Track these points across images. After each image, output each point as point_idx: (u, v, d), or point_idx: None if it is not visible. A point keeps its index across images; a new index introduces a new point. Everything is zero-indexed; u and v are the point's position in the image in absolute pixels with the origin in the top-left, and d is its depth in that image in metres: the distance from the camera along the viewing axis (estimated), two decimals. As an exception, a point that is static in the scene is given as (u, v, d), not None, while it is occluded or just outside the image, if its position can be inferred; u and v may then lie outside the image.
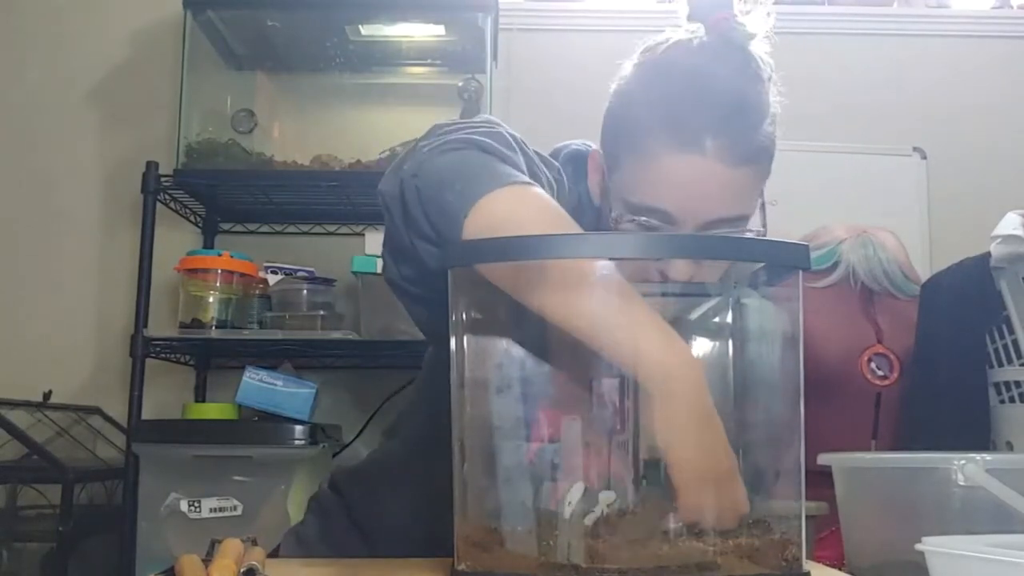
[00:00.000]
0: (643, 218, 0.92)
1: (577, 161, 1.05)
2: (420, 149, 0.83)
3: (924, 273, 1.97)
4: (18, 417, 1.92)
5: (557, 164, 0.99)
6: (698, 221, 0.91)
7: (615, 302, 0.71)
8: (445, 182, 0.78)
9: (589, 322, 0.70)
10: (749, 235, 0.94)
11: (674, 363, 0.69)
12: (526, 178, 0.80)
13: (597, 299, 0.72)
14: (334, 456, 2.04)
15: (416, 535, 1.04)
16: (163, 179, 2.02)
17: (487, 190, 0.76)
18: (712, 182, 0.90)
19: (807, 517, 0.71)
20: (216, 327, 1.99)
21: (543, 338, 0.75)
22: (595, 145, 1.06)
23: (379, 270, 1.90)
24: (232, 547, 0.74)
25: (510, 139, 0.85)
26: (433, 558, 0.84)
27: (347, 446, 2.10)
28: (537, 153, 0.93)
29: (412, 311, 0.97)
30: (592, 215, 1.02)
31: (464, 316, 0.73)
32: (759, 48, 0.95)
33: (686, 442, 0.69)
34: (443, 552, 0.76)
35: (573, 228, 0.77)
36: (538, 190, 0.79)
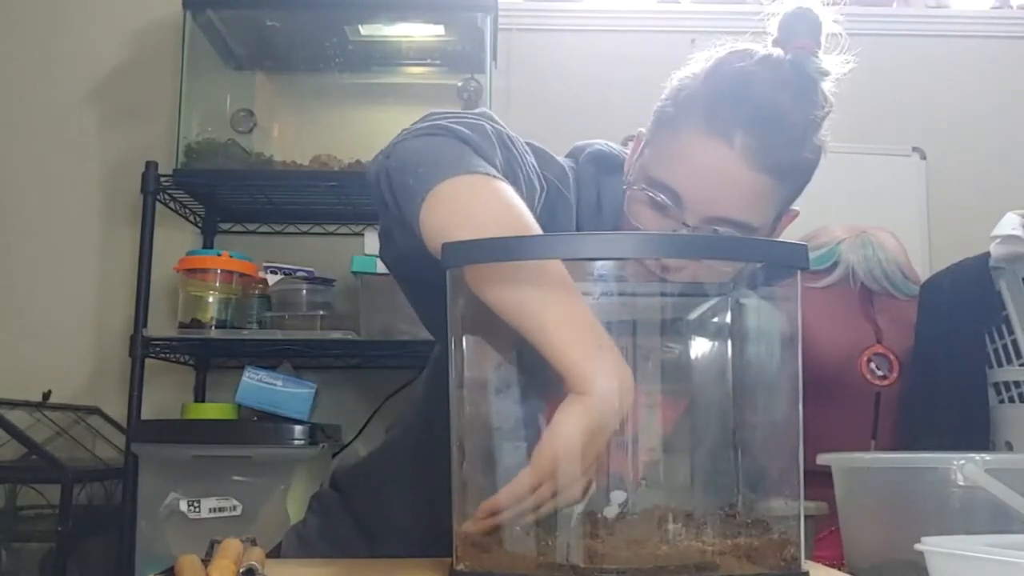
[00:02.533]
0: (651, 193, 0.92)
1: (599, 160, 1.05)
2: (402, 132, 0.85)
3: (924, 273, 1.97)
4: (17, 417, 1.92)
5: (565, 165, 0.99)
6: (704, 212, 0.90)
7: (547, 297, 0.71)
8: (410, 165, 0.80)
9: (517, 316, 0.71)
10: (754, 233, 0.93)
11: (589, 367, 0.68)
12: (491, 169, 0.80)
13: (530, 293, 0.71)
14: (334, 456, 2.04)
15: (418, 533, 1.04)
16: (163, 179, 2.02)
17: (447, 176, 0.77)
18: (728, 176, 0.89)
19: (807, 517, 0.71)
20: (215, 327, 1.99)
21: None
22: (616, 145, 1.07)
23: (379, 270, 1.91)
24: (231, 547, 0.74)
25: (492, 133, 0.86)
26: (434, 558, 0.84)
27: (347, 446, 2.10)
28: (540, 151, 0.94)
29: (407, 296, 0.98)
30: (611, 211, 1.02)
31: (464, 316, 0.73)
32: (826, 86, 0.97)
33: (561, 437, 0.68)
34: (445, 549, 0.77)
35: (524, 220, 0.76)
36: (499, 182, 0.79)
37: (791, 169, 0.93)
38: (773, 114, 0.90)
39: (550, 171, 0.96)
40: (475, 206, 0.76)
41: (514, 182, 0.84)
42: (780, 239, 0.69)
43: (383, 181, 0.83)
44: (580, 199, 1.00)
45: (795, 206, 1.06)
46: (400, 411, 1.22)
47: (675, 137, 0.92)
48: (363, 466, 1.19)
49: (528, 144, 0.94)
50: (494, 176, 0.79)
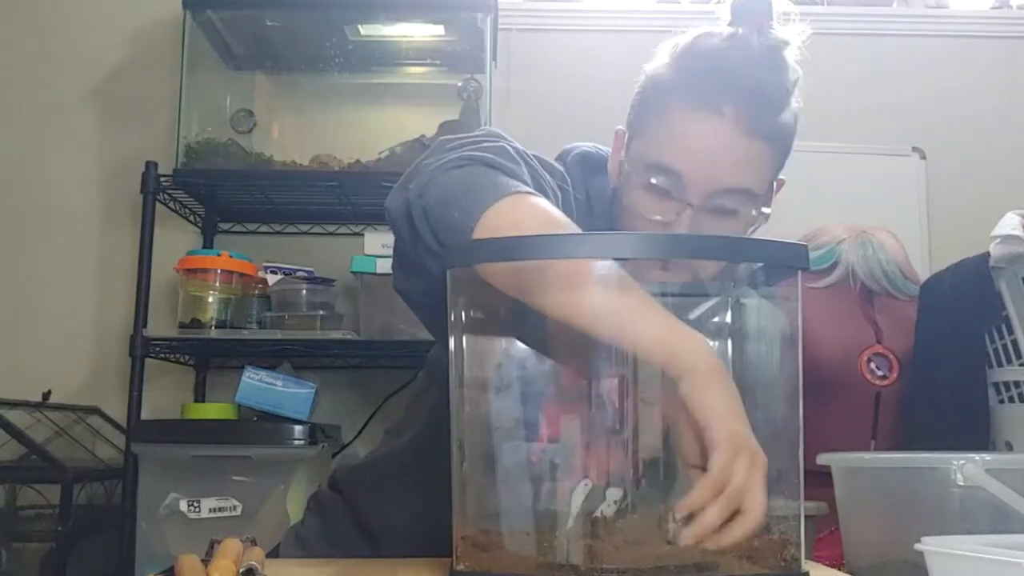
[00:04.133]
0: (653, 179, 0.94)
1: (586, 162, 1.07)
2: (426, 167, 0.84)
3: (924, 273, 1.97)
4: (17, 417, 1.92)
5: (561, 169, 1.00)
6: (706, 187, 0.93)
7: (616, 296, 0.72)
8: (451, 200, 0.79)
9: (593, 318, 0.71)
10: (756, 214, 0.96)
11: (688, 346, 0.70)
12: (528, 188, 0.81)
13: (598, 295, 0.72)
14: (334, 456, 2.04)
15: (418, 534, 1.04)
16: (162, 179, 2.02)
17: (490, 203, 0.77)
18: (724, 145, 0.93)
19: (807, 517, 0.71)
20: (215, 327, 1.99)
21: (543, 337, 0.75)
22: (604, 147, 1.08)
23: (378, 270, 1.91)
24: (231, 547, 0.74)
25: (513, 152, 0.86)
26: (434, 558, 0.84)
27: (347, 446, 2.10)
28: (540, 159, 0.94)
29: (423, 318, 0.98)
30: (602, 212, 1.04)
31: (463, 316, 0.73)
32: (790, 55, 1.00)
33: (728, 414, 0.68)
34: (445, 550, 0.77)
35: (571, 229, 0.78)
36: (539, 199, 0.80)
37: (777, 133, 0.97)
38: (753, 83, 0.94)
39: (555, 178, 0.97)
40: (525, 224, 0.77)
41: (543, 194, 0.85)
42: (779, 239, 0.69)
43: (418, 218, 0.81)
44: (570, 205, 1.01)
45: (794, 204, 1.06)
46: (403, 414, 1.22)
47: (664, 121, 0.95)
48: (366, 468, 1.19)
49: (535, 156, 0.95)
50: (531, 193, 0.80)
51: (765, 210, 0.98)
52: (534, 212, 0.79)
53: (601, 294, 0.72)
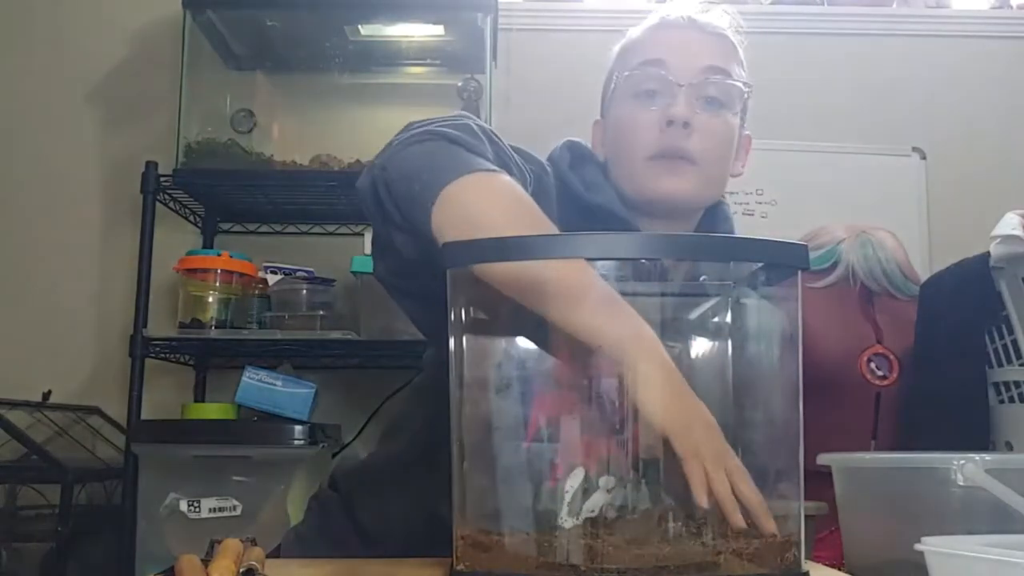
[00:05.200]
0: (637, 74, 1.07)
1: (574, 149, 1.14)
2: (391, 144, 0.87)
3: (924, 273, 1.96)
4: (17, 417, 1.92)
5: (540, 159, 1.05)
6: (692, 68, 1.06)
7: (561, 277, 0.73)
8: (412, 173, 0.82)
9: (541, 302, 0.72)
10: (740, 86, 1.10)
11: (628, 334, 0.71)
12: (491, 165, 0.83)
13: (545, 276, 0.73)
14: (333, 456, 2.04)
15: (417, 534, 1.04)
16: (162, 179, 2.02)
17: (452, 178, 0.79)
18: (695, 38, 1.09)
19: (807, 517, 0.71)
20: (215, 327, 1.99)
21: (541, 333, 0.75)
22: (585, 141, 1.17)
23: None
24: (231, 547, 0.74)
25: (477, 130, 0.89)
26: (434, 557, 0.84)
27: (346, 446, 2.10)
28: (517, 149, 0.97)
29: (403, 307, 1.01)
30: (584, 196, 1.09)
31: (463, 316, 0.73)
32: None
33: (663, 396, 0.70)
34: (444, 551, 0.77)
35: (535, 213, 0.80)
36: (503, 177, 0.83)
37: (727, 37, 1.11)
38: (703, 11, 1.11)
39: (532, 164, 1.00)
40: (485, 203, 0.80)
41: (508, 172, 0.87)
42: (779, 239, 0.69)
43: (383, 192, 0.84)
44: (557, 189, 1.07)
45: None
46: (396, 413, 1.22)
47: (635, 45, 1.11)
48: (364, 469, 1.19)
49: (511, 145, 0.98)
50: (495, 171, 0.83)
51: (747, 82, 1.11)
52: (495, 190, 0.81)
53: (548, 276, 0.72)
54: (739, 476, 0.69)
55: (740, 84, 1.09)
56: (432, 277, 0.82)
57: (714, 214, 1.16)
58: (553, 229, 0.80)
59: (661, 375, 0.71)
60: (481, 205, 0.79)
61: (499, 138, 0.93)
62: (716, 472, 0.69)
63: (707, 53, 1.08)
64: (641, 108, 1.07)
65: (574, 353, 0.73)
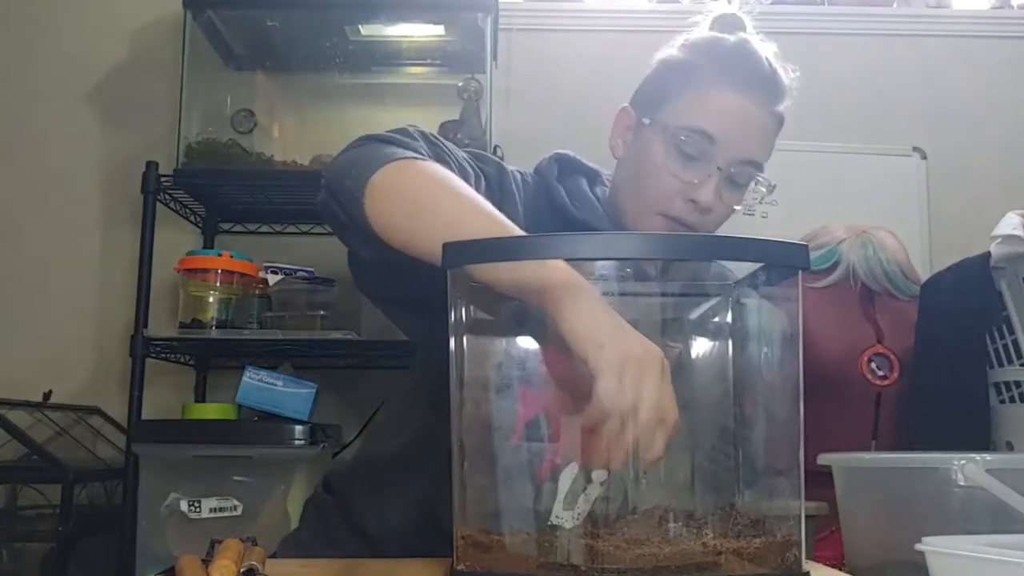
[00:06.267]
0: (684, 137, 1.05)
1: (563, 162, 1.16)
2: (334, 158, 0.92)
3: (924, 273, 1.96)
4: (18, 417, 1.92)
5: (499, 162, 1.08)
6: (732, 155, 1.05)
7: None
8: (344, 171, 0.87)
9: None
10: (763, 181, 1.10)
11: (536, 274, 0.72)
12: (413, 154, 0.89)
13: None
14: (334, 456, 2.04)
15: (415, 533, 1.04)
16: (163, 179, 2.02)
17: (377, 167, 0.85)
18: (752, 121, 1.07)
19: (807, 517, 0.71)
20: (216, 327, 1.99)
21: (534, 329, 0.76)
22: (574, 154, 1.18)
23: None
24: (232, 547, 0.74)
25: (414, 132, 0.95)
26: (433, 557, 0.84)
27: (347, 446, 2.10)
28: (474, 153, 1.04)
29: (387, 313, 1.06)
30: (562, 207, 1.10)
31: (464, 316, 0.73)
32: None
33: (596, 329, 0.70)
34: (442, 550, 0.77)
35: (460, 190, 0.84)
36: (425, 163, 0.88)
37: (781, 119, 1.12)
38: (772, 75, 1.10)
39: (488, 165, 1.04)
40: (411, 186, 0.85)
41: (447, 167, 0.92)
42: (780, 239, 0.69)
43: (329, 199, 0.89)
44: (529, 195, 1.09)
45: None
46: (393, 414, 1.22)
47: (702, 91, 1.07)
48: (359, 469, 1.19)
49: (466, 150, 1.03)
50: (419, 158, 0.88)
51: (771, 181, 1.10)
52: (419, 171, 0.86)
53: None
54: (663, 432, 0.68)
55: (764, 188, 1.09)
56: (393, 277, 0.86)
57: None
58: (482, 201, 0.85)
59: (589, 305, 0.70)
60: (406, 187, 0.84)
61: (442, 141, 0.98)
62: (645, 432, 0.67)
63: (756, 142, 1.08)
64: (672, 166, 1.06)
65: (561, 349, 0.73)
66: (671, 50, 1.14)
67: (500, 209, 0.84)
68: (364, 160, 0.87)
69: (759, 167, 1.08)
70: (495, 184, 1.05)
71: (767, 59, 1.09)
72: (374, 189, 0.84)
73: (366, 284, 1.03)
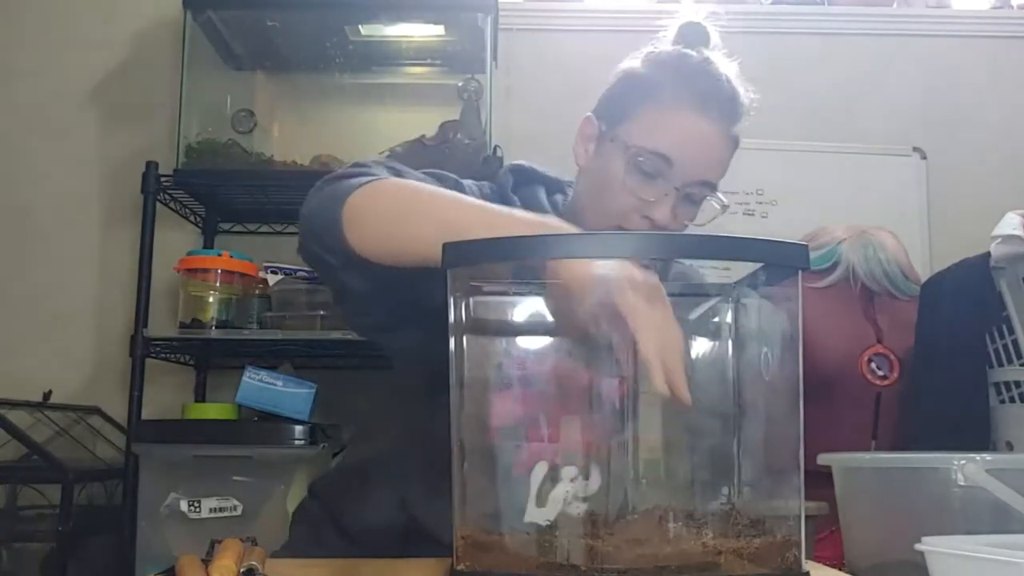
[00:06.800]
0: (642, 158, 1.05)
1: (519, 173, 1.17)
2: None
3: (924, 273, 1.97)
4: (18, 417, 1.92)
5: (455, 177, 1.10)
6: (688, 176, 1.06)
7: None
8: (313, 214, 0.92)
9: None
10: (716, 202, 1.10)
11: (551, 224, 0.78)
12: (374, 176, 0.93)
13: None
14: (334, 456, 2.04)
15: (402, 535, 1.05)
16: (163, 179, 2.02)
17: (345, 198, 0.89)
18: (710, 144, 1.07)
19: (807, 517, 0.71)
20: (216, 327, 1.99)
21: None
22: (537, 166, 1.19)
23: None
24: (232, 547, 0.74)
25: (371, 162, 0.99)
26: (431, 558, 0.84)
27: (347, 446, 2.10)
28: (434, 172, 1.06)
29: (385, 342, 1.09)
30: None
31: (464, 316, 0.73)
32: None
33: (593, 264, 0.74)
34: (428, 550, 0.77)
35: (432, 188, 0.91)
36: (391, 179, 0.94)
37: (737, 141, 1.12)
38: (732, 97, 1.09)
39: (444, 182, 1.06)
40: (387, 200, 0.90)
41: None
42: (780, 239, 0.69)
43: (310, 244, 0.93)
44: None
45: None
46: (372, 418, 1.24)
47: (663, 110, 1.07)
48: (343, 473, 1.20)
49: (423, 171, 1.07)
50: (382, 178, 0.93)
51: (725, 201, 1.11)
52: (391, 187, 0.92)
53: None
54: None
55: (718, 206, 1.11)
56: (392, 295, 0.93)
57: None
58: (460, 195, 0.91)
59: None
60: (384, 201, 0.90)
61: (398, 165, 1.01)
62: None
63: (714, 165, 1.09)
64: (630, 183, 1.07)
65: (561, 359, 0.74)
66: (634, 62, 1.15)
67: None
68: (330, 197, 0.91)
69: (714, 187, 1.10)
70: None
71: (728, 80, 1.10)
72: (350, 217, 0.88)
73: (363, 318, 1.05)
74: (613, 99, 1.14)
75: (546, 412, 0.76)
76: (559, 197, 1.19)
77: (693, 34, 1.15)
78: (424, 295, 0.80)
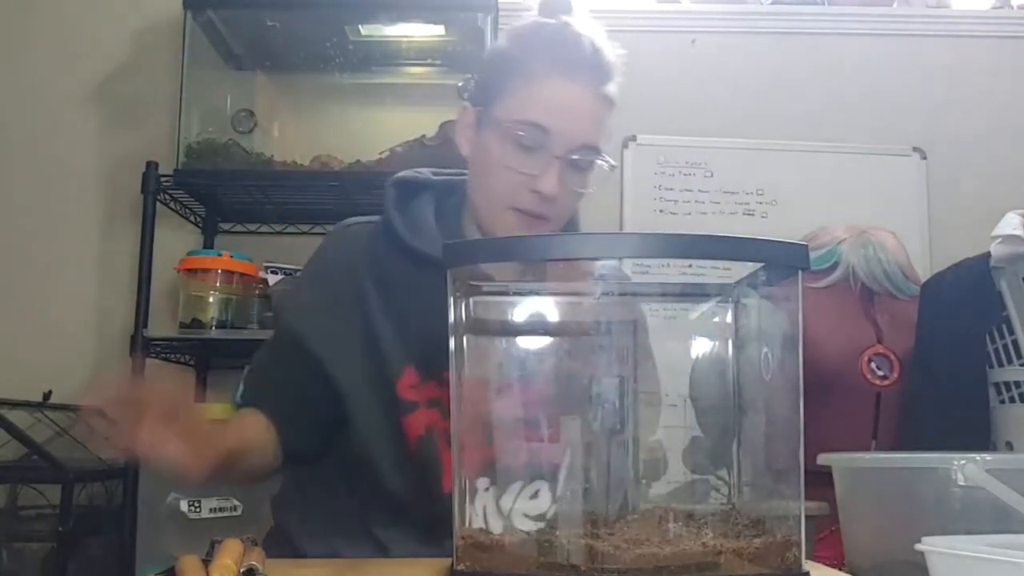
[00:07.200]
0: (521, 133, 1.05)
1: (402, 186, 1.17)
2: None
3: (924, 273, 1.97)
4: (18, 417, 1.92)
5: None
6: (567, 143, 1.06)
7: None
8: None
9: None
10: (605, 164, 1.09)
11: None
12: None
13: None
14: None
15: (354, 552, 1.06)
16: (163, 179, 2.02)
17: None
18: (582, 106, 1.07)
19: (807, 517, 0.71)
20: (216, 327, 1.99)
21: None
22: (424, 170, 1.20)
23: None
24: (232, 547, 0.74)
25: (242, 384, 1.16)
26: (427, 558, 0.84)
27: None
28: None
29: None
30: (411, 226, 1.13)
31: (464, 316, 0.73)
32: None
33: None
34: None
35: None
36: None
37: (611, 99, 1.10)
38: (596, 57, 1.10)
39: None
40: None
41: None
42: (780, 239, 0.69)
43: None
44: (363, 250, 1.13)
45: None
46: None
47: (531, 82, 1.07)
48: (288, 495, 1.21)
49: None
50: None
51: (612, 161, 1.10)
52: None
53: None
54: None
55: (606, 165, 1.10)
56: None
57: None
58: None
59: None
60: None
61: (257, 364, 1.18)
62: None
63: (590, 126, 1.08)
64: (515, 164, 1.06)
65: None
66: (500, 41, 1.17)
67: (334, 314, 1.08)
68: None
69: (597, 150, 1.09)
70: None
71: (590, 40, 1.10)
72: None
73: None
74: (483, 82, 1.15)
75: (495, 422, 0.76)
76: (454, 199, 1.18)
77: (555, 3, 1.15)
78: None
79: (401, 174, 1.19)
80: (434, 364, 1.05)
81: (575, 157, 1.07)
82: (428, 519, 1.04)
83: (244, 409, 1.12)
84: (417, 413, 1.05)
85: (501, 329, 0.79)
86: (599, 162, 1.09)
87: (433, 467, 1.04)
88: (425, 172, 1.20)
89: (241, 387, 1.15)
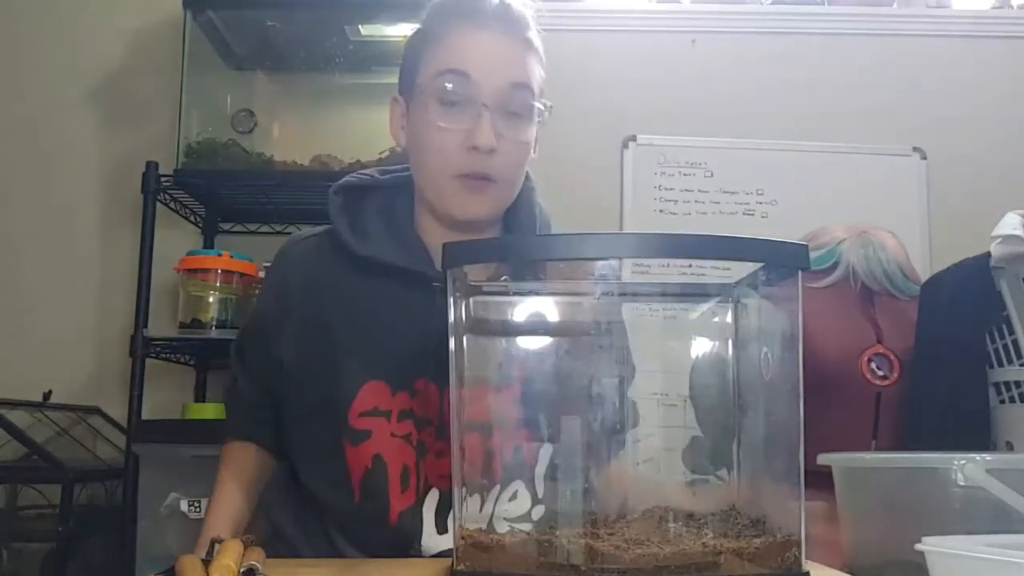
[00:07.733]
0: (448, 84, 1.04)
1: (345, 191, 1.17)
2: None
3: (924, 273, 1.97)
4: (18, 417, 1.92)
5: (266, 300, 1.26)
6: (493, 87, 1.03)
7: None
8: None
9: None
10: (541, 107, 1.08)
11: None
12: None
13: None
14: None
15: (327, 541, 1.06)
16: (163, 179, 2.02)
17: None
18: (496, 46, 1.05)
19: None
20: (216, 327, 1.99)
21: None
22: (372, 172, 1.19)
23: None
24: (232, 547, 0.74)
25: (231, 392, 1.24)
26: (428, 558, 0.84)
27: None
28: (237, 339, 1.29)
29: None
30: (363, 231, 1.12)
31: (463, 316, 0.73)
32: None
33: None
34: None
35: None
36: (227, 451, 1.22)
37: (531, 42, 1.08)
38: (502, 7, 1.07)
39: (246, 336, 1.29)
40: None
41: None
42: (780, 239, 0.69)
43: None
44: (311, 263, 1.15)
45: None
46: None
47: (444, 40, 1.08)
48: (273, 496, 1.21)
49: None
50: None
51: (546, 102, 1.09)
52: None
53: None
54: None
55: (539, 106, 1.08)
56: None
57: (515, 209, 1.15)
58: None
59: None
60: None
61: (235, 367, 1.25)
62: None
63: (513, 65, 1.06)
64: (444, 123, 1.04)
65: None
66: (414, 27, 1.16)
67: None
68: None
69: (528, 90, 1.06)
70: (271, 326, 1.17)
71: None
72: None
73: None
74: (404, 68, 1.15)
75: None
76: (404, 194, 1.16)
77: None
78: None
79: (345, 179, 1.17)
80: (407, 373, 1.03)
81: (506, 100, 1.04)
82: (379, 544, 1.01)
83: (234, 445, 1.19)
84: (368, 443, 1.01)
85: (500, 329, 0.79)
86: (536, 105, 1.06)
87: (381, 498, 1.00)
88: (370, 172, 1.18)
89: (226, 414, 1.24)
